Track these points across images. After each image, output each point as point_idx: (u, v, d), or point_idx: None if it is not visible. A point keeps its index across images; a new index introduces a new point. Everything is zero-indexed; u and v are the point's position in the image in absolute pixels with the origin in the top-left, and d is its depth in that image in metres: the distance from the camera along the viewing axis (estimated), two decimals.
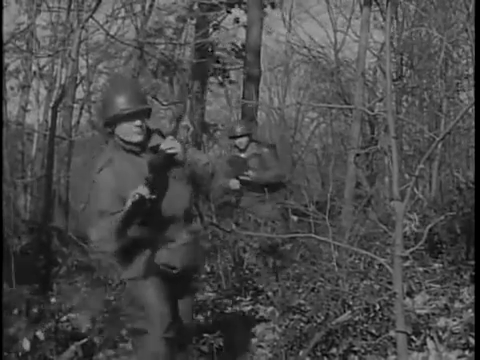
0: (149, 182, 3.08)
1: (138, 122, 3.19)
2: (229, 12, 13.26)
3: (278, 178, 6.91)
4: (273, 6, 13.33)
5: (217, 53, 13.44)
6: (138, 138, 3.22)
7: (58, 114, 10.38)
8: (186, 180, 3.30)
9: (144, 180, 3.09)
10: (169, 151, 3.16)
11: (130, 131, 3.19)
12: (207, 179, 3.32)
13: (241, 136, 6.91)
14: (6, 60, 12.42)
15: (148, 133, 3.29)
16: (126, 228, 3.07)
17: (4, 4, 9.22)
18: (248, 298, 5.41)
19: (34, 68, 15.30)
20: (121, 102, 3.18)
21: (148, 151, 3.26)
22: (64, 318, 4.58)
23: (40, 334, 3.80)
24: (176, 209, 3.27)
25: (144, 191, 3.05)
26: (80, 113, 17.45)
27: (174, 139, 3.20)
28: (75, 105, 14.28)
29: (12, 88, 14.77)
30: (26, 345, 3.69)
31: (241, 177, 6.77)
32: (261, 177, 6.79)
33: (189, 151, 3.30)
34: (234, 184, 6.79)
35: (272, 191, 6.77)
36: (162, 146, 3.16)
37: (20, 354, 3.66)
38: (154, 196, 3.08)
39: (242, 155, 6.91)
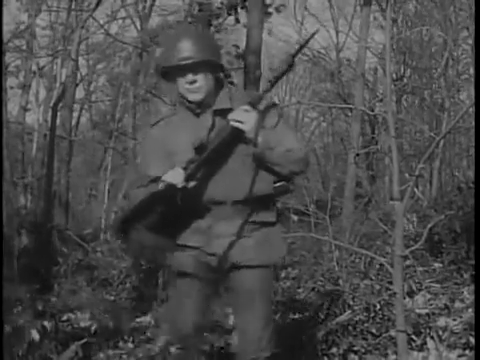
0: (190, 166, 2.49)
1: (190, 77, 2.55)
2: (230, 14, 13.24)
3: None
4: (278, 10, 13.31)
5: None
6: (193, 97, 2.58)
7: (58, 114, 10.39)
8: (253, 160, 2.57)
9: (186, 162, 2.50)
10: (235, 124, 2.47)
11: (183, 87, 2.57)
12: (290, 166, 2.57)
13: None
14: (6, 59, 12.42)
15: (217, 90, 2.64)
16: (140, 218, 2.49)
17: (4, 3, 9.21)
18: None
19: (34, 68, 15.31)
20: (173, 51, 2.57)
21: (211, 113, 2.62)
22: (64, 317, 4.59)
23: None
24: (228, 193, 2.58)
25: (177, 179, 2.48)
26: (80, 113, 17.49)
27: (250, 110, 2.49)
28: (75, 105, 14.29)
29: (12, 87, 14.78)
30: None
31: None
32: None
33: (268, 132, 2.53)
34: None
35: None
36: (229, 116, 2.49)
37: (20, 353, 3.66)
38: (192, 184, 2.50)
39: None
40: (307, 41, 2.52)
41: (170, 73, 2.61)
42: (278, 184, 2.64)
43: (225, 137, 2.50)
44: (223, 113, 2.56)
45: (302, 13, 18.97)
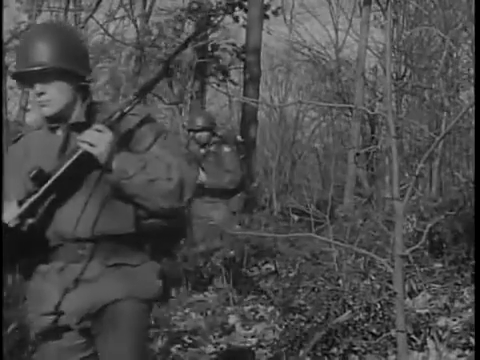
0: (27, 200, 2.05)
1: (37, 88, 2.10)
2: (228, 13, 13.24)
3: (232, 184, 5.89)
4: (275, 13, 13.33)
5: (217, 53, 13.44)
6: (43, 111, 2.14)
7: None
8: (111, 190, 2.12)
9: (24, 195, 2.07)
10: (83, 146, 2.05)
11: (34, 98, 2.15)
12: (155, 199, 2.09)
13: (202, 130, 5.98)
14: (6, 60, 12.43)
15: (80, 102, 2.19)
16: None
17: (4, 3, 9.22)
18: (248, 298, 5.41)
19: None
20: (22, 54, 2.13)
21: (65, 130, 2.17)
22: None
23: None
24: (78, 229, 2.13)
25: (8, 215, 2.04)
26: None
27: (103, 130, 2.06)
28: None
29: (12, 88, 14.77)
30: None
31: None
32: (213, 182, 5.85)
33: (126, 156, 2.08)
34: None
35: (227, 197, 5.90)
36: (80, 136, 2.06)
37: (25, 354, 3.66)
38: (30, 221, 2.06)
39: (201, 151, 5.97)
40: (176, 52, 2.34)
41: (24, 79, 2.16)
42: (149, 221, 2.18)
43: (72, 162, 2.06)
44: (83, 128, 2.11)
45: (292, 12, 18.83)
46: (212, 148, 5.96)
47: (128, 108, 2.10)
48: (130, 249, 2.19)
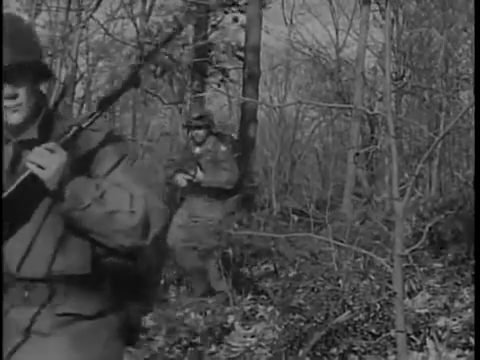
0: None
1: (8, 90, 1.72)
2: (226, 12, 13.25)
3: (229, 183, 5.76)
4: (263, 5, 13.33)
5: (214, 52, 13.45)
6: (12, 118, 1.75)
7: None
8: (62, 222, 1.75)
9: None
10: (31, 167, 1.67)
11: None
12: (113, 236, 1.72)
13: (199, 127, 5.85)
14: None
15: (39, 108, 1.80)
16: None
17: (4, 3, 9.21)
18: (248, 298, 5.41)
19: None
20: None
21: (13, 145, 1.78)
22: None
23: None
24: (22, 266, 1.77)
25: None
26: (79, 112, 17.51)
27: (55, 149, 1.68)
28: (75, 104, 14.30)
29: None
30: None
31: (185, 176, 5.79)
32: (209, 181, 5.75)
33: (82, 182, 1.70)
34: (180, 180, 5.81)
35: (223, 197, 5.78)
36: (28, 156, 1.69)
37: None
38: None
39: (197, 149, 5.88)
40: (150, 55, 1.93)
41: None
42: (108, 261, 1.84)
43: (17, 186, 1.69)
44: (36, 145, 1.71)
45: (293, 11, 18.90)
46: (209, 146, 5.86)
47: (87, 123, 1.74)
48: (85, 293, 1.81)
